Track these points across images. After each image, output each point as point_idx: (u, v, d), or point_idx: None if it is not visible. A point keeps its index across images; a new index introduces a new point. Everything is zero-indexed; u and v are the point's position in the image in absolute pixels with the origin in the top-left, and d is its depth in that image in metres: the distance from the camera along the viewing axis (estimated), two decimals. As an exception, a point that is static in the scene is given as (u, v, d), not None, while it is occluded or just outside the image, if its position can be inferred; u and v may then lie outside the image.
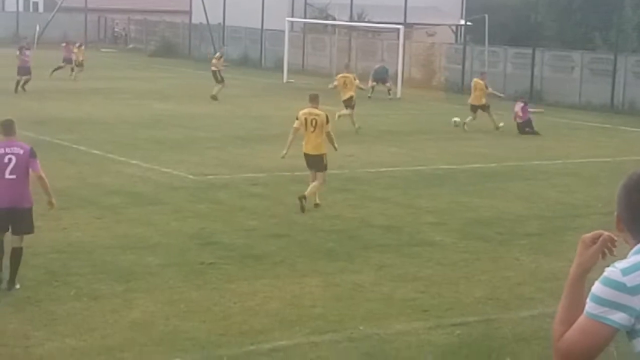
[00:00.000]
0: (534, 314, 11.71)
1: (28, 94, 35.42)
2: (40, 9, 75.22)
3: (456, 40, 56.74)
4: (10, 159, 11.86)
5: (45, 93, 35.43)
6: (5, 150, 11.92)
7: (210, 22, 58.71)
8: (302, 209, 16.99)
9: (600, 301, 3.70)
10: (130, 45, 65.11)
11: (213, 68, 37.45)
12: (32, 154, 12.00)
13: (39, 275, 12.51)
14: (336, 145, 18.11)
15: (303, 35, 52.72)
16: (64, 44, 44.46)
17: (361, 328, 10.92)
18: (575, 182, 21.47)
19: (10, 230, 12.11)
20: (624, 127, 32.61)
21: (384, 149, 25.25)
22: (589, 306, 3.73)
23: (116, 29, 68.79)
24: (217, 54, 39.99)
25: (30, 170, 11.95)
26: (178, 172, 20.80)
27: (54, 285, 12.14)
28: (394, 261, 14.01)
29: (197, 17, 61.00)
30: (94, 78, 42.37)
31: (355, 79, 29.69)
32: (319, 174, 17.64)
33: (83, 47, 44.08)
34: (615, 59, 38.76)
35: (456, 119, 30.29)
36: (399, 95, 39.77)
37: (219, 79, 36.85)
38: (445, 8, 57.47)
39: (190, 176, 20.37)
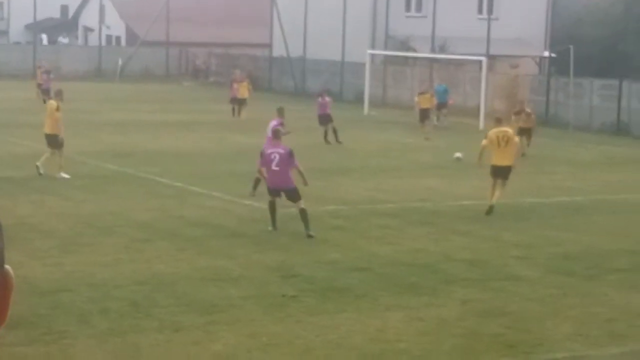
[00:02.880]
0: (626, 351, 11.38)
1: (112, 127, 35.80)
2: (123, 43, 76.40)
3: (540, 71, 56.15)
4: (275, 156, 17.28)
5: (127, 126, 35.79)
6: (272, 150, 17.49)
7: (291, 55, 59.03)
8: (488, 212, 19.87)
9: None
10: (211, 79, 65.67)
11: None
12: (290, 154, 17.30)
13: (122, 307, 12.50)
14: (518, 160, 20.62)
15: (384, 68, 52.66)
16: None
17: (446, 364, 10.68)
18: (664, 215, 20.96)
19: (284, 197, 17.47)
20: None
21: (467, 182, 24.94)
22: None
23: (197, 63, 69.44)
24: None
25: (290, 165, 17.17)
26: (259, 204, 20.75)
27: (137, 317, 12.12)
28: (479, 296, 13.73)
29: (278, 50, 61.37)
30: (175, 111, 42.75)
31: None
32: (501, 182, 20.22)
33: (246, 83, 42.07)
34: None
35: (458, 154, 29.02)
36: (481, 127, 39.35)
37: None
38: (529, 39, 56.92)
39: (272, 208, 20.28)
